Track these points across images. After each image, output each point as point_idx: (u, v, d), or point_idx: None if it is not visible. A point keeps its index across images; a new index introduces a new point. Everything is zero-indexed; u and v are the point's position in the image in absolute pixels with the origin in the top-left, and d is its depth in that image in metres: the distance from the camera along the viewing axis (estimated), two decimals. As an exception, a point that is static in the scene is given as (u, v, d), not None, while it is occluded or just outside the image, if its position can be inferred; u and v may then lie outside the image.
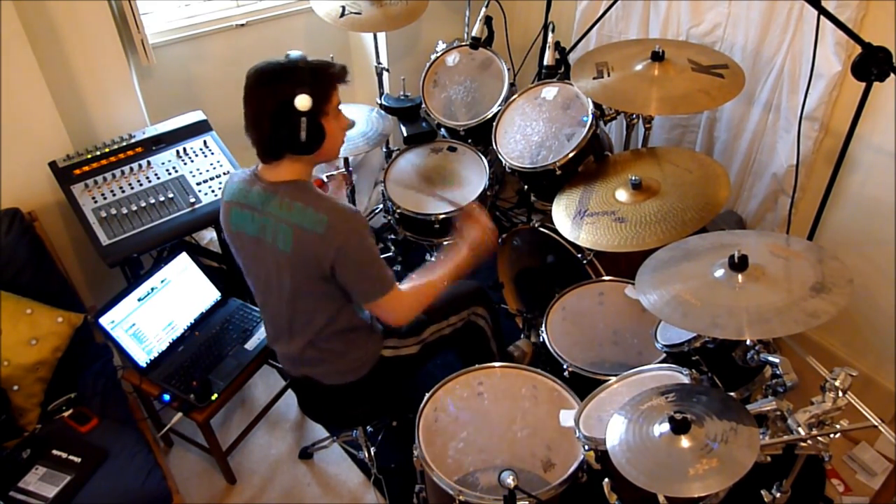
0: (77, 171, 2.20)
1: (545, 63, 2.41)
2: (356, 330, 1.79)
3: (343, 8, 2.52)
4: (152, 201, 2.21)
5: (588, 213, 1.95)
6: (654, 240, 1.75)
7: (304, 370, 1.85)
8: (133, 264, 2.24)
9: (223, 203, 1.73)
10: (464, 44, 2.70)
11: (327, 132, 1.58)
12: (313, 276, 1.60)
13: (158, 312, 2.15)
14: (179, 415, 2.01)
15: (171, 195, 2.25)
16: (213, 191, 2.30)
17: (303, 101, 1.49)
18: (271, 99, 1.50)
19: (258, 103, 1.53)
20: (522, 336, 2.48)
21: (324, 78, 1.55)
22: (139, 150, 2.32)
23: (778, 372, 1.33)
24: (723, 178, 1.86)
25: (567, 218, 1.99)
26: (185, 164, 2.35)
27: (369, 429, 2.33)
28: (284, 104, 1.50)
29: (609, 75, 2.04)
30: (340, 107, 1.63)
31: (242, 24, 2.80)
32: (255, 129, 1.56)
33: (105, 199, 2.18)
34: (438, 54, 2.72)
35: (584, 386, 1.70)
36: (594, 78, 2.05)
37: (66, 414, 1.98)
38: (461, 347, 2.04)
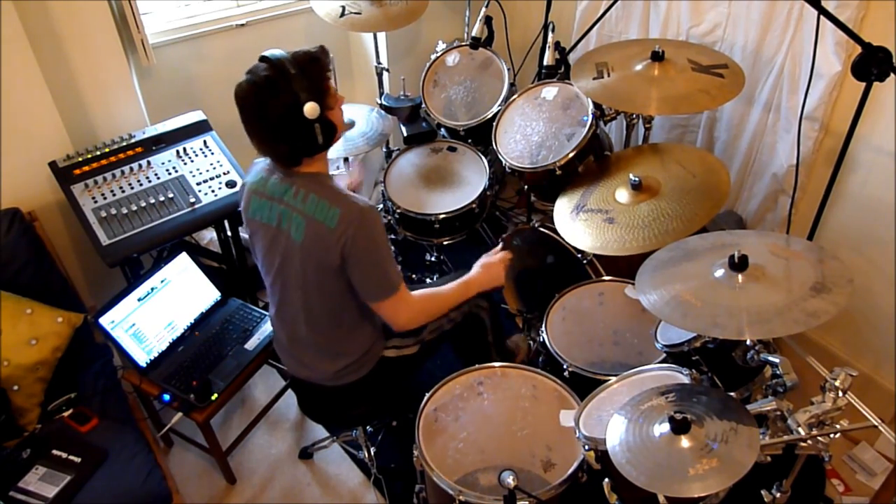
0: (77, 171, 2.20)
1: (545, 63, 2.40)
2: (362, 328, 1.79)
3: (343, 8, 2.52)
4: (152, 201, 2.21)
5: (585, 209, 1.95)
6: (634, 245, 1.75)
7: (306, 371, 1.85)
8: (133, 264, 2.24)
9: (246, 188, 1.74)
10: (464, 44, 2.70)
11: (336, 123, 1.58)
12: (323, 268, 1.61)
13: (158, 312, 2.15)
14: (179, 415, 2.01)
15: (171, 195, 2.25)
16: (212, 191, 2.30)
17: (311, 109, 1.47)
18: (276, 115, 1.47)
19: (263, 122, 1.50)
20: (522, 333, 2.48)
21: (316, 73, 1.52)
22: (139, 150, 2.32)
23: (778, 372, 1.33)
24: (723, 185, 1.83)
25: (566, 210, 1.99)
26: (185, 164, 2.35)
27: (369, 429, 2.33)
28: (292, 117, 1.47)
29: (609, 75, 2.03)
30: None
31: (242, 24, 2.80)
32: (266, 146, 1.55)
33: (105, 199, 2.18)
34: (438, 54, 2.72)
35: (584, 386, 1.70)
36: (594, 78, 2.04)
37: (66, 414, 1.98)
38: (459, 341, 2.04)
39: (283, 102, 1.47)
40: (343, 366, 1.79)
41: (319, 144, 1.54)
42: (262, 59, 1.50)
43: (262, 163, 1.72)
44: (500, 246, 2.05)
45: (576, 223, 1.92)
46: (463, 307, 1.97)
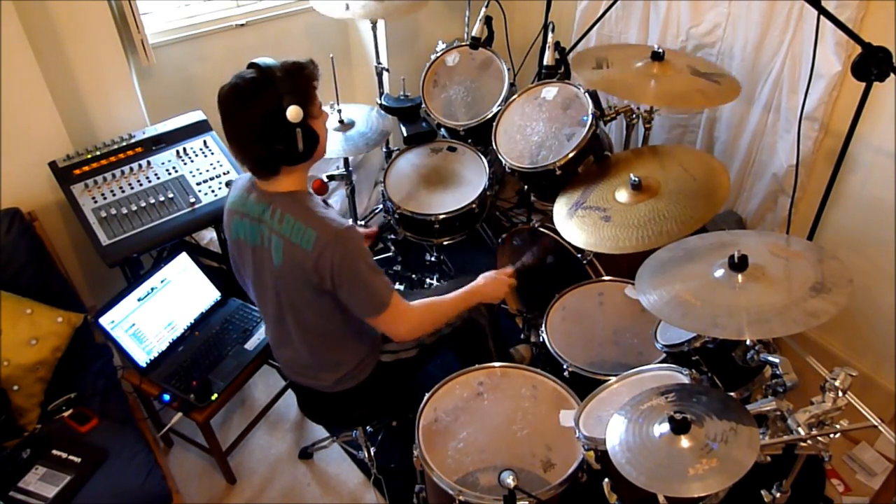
0: (77, 171, 2.20)
1: (545, 63, 2.40)
2: (357, 336, 1.79)
3: (347, 7, 2.52)
4: (152, 201, 2.21)
5: (584, 206, 1.95)
6: (628, 245, 1.75)
7: (305, 379, 1.85)
8: (133, 264, 2.24)
9: (226, 209, 1.72)
10: (464, 44, 2.70)
11: (319, 135, 1.55)
12: (306, 288, 1.59)
13: (158, 312, 2.15)
14: (179, 415, 2.01)
15: (171, 195, 2.25)
16: (212, 191, 2.30)
17: (294, 112, 1.45)
18: (258, 115, 1.45)
19: (244, 122, 1.47)
20: (522, 337, 2.48)
21: (302, 80, 1.50)
22: (139, 150, 2.32)
23: (778, 372, 1.33)
24: (723, 190, 1.83)
25: (565, 207, 2.00)
26: (185, 164, 2.35)
27: (369, 429, 2.33)
28: (274, 118, 1.45)
29: (608, 67, 2.03)
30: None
31: (242, 24, 2.80)
32: (246, 149, 1.51)
33: (105, 199, 2.18)
34: (438, 54, 2.72)
35: (584, 386, 1.69)
36: (593, 68, 2.04)
37: (66, 414, 1.98)
38: (460, 347, 2.04)
39: (266, 103, 1.44)
40: (343, 374, 1.79)
41: (299, 153, 1.51)
42: (251, 65, 1.49)
43: (241, 181, 1.69)
44: (509, 268, 2.05)
45: (573, 220, 1.93)
46: (463, 313, 1.97)
